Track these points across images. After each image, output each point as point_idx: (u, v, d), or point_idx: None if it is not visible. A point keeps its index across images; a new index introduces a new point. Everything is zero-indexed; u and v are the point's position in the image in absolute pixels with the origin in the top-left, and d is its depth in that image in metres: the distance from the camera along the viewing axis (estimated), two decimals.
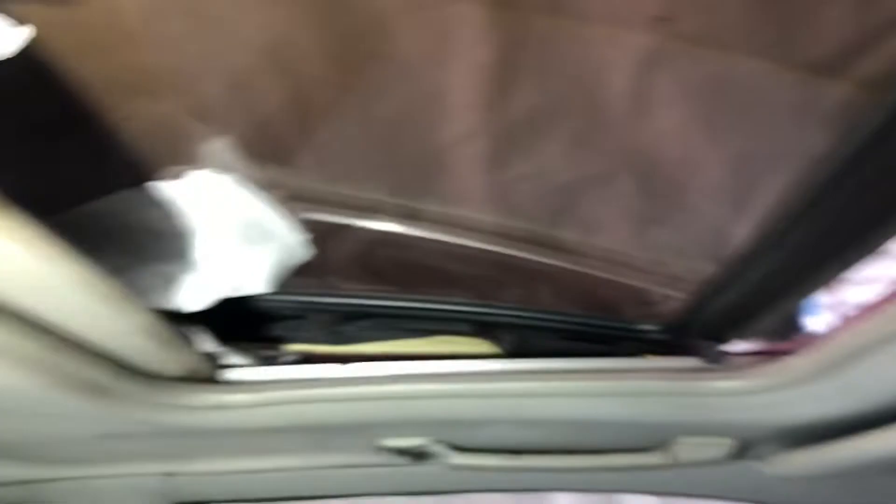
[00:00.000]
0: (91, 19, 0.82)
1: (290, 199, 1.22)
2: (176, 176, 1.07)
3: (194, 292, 1.24)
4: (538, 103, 0.88)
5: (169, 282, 1.22)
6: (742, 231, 1.07)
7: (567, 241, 1.25)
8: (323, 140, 1.04)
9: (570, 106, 0.89)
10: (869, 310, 1.14)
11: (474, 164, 1.04)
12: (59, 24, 0.82)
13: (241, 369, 1.45)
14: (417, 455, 1.60)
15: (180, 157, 1.06)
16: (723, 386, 1.37)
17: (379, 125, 0.98)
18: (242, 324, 1.56)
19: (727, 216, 1.08)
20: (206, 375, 1.40)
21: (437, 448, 1.58)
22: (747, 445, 1.53)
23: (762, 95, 0.82)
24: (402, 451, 1.60)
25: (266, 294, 1.31)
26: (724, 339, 1.44)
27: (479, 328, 1.58)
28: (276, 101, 0.95)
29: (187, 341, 1.31)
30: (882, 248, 1.00)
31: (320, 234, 1.31)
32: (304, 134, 1.03)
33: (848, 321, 1.22)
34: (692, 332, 1.45)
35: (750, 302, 1.26)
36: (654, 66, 0.79)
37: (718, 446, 1.52)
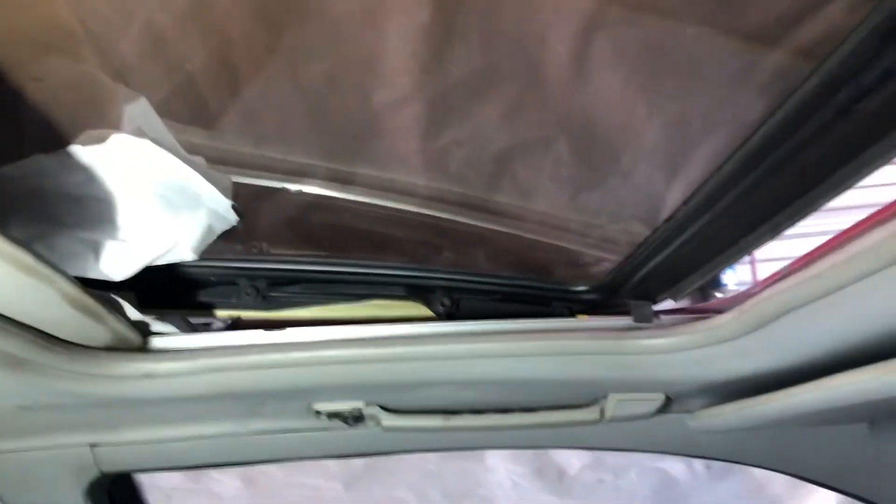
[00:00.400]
0: None
1: (218, 162, 1.18)
2: (95, 140, 1.01)
3: (118, 260, 1.19)
4: (475, 67, 0.86)
5: (91, 250, 1.17)
6: (675, 195, 1.08)
7: (502, 204, 1.24)
8: (250, 102, 1.00)
9: (507, 70, 0.88)
10: (791, 269, 1.18)
11: (409, 128, 1.02)
12: None
13: (170, 337, 1.41)
14: (352, 418, 1.60)
15: (99, 121, 1.00)
16: (653, 343, 1.41)
17: (309, 87, 0.95)
18: (170, 290, 1.52)
19: (661, 181, 1.09)
20: (134, 344, 1.36)
21: (371, 411, 1.58)
22: (676, 400, 1.57)
23: (700, 62, 0.82)
24: (336, 415, 1.60)
25: (194, 260, 1.27)
26: (654, 299, 1.47)
27: (413, 291, 1.58)
28: (199, 62, 0.90)
29: (113, 310, 1.26)
30: (810, 212, 1.03)
31: (250, 199, 1.27)
32: (230, 96, 0.99)
33: (771, 280, 1.26)
34: (624, 293, 1.48)
35: (680, 263, 1.29)
36: (594, 31, 0.78)
37: (649, 401, 1.56)
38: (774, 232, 1.09)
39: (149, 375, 1.36)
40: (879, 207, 1.04)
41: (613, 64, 0.83)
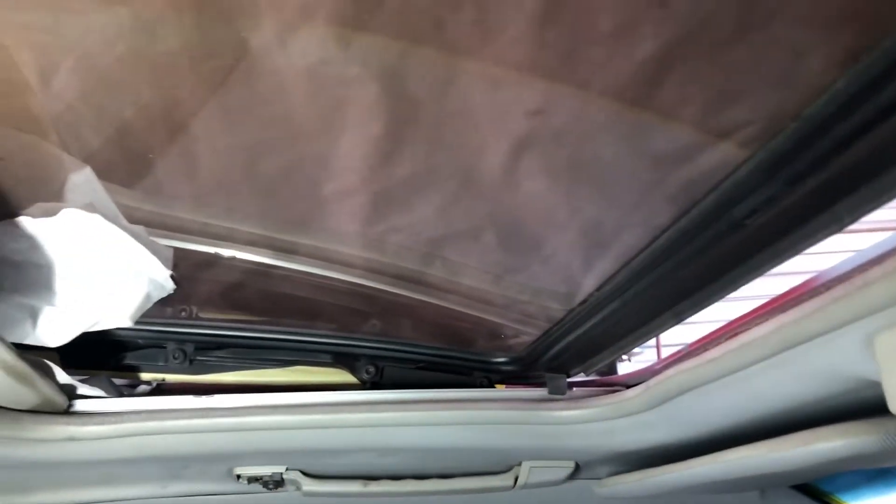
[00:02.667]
0: None
1: (159, 227, 1.21)
2: (45, 212, 1.04)
3: (56, 326, 1.20)
4: (418, 171, 0.95)
5: (29, 315, 1.18)
6: (590, 282, 1.19)
7: (432, 279, 1.32)
8: (205, 181, 1.06)
9: (446, 175, 0.97)
10: (691, 349, 1.29)
11: (351, 215, 1.09)
12: None
13: (95, 400, 1.41)
14: (272, 483, 1.62)
15: (48, 193, 1.04)
16: (565, 415, 1.50)
17: (263, 175, 1.01)
18: (97, 352, 1.52)
19: (578, 269, 1.20)
20: (59, 407, 1.36)
21: (291, 476, 1.61)
22: (585, 468, 1.67)
23: (616, 176, 0.93)
24: (256, 480, 1.62)
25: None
26: (568, 372, 1.57)
27: (338, 358, 1.63)
28: (160, 145, 0.95)
29: (43, 373, 1.27)
30: (710, 303, 1.15)
31: (187, 265, 1.30)
32: (186, 175, 1.04)
33: (673, 358, 1.37)
34: (540, 365, 1.57)
35: (593, 342, 1.40)
36: (526, 148, 0.87)
37: (559, 468, 1.65)
38: (678, 318, 1.21)
39: (72, 438, 1.36)
40: (768, 299, 1.17)
41: (539, 174, 0.93)
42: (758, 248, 0.95)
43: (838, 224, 0.85)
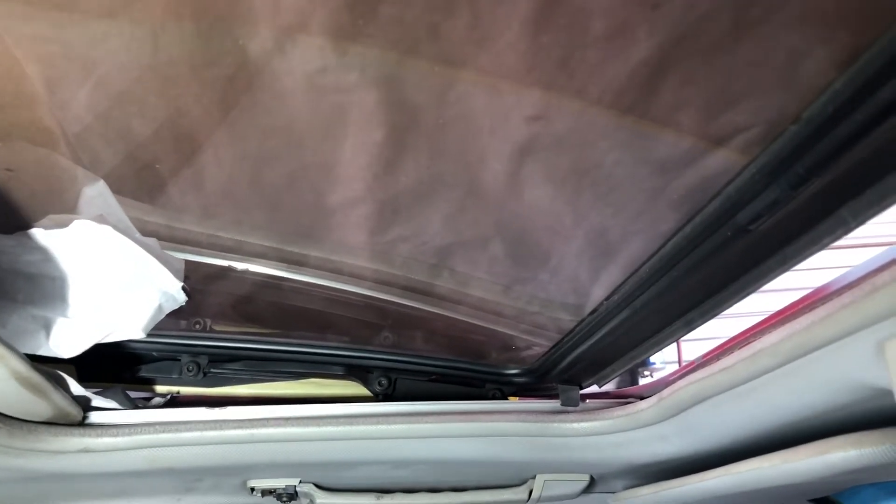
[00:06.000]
0: None
1: (171, 240, 1.23)
2: (57, 224, 1.06)
3: (68, 338, 1.22)
4: (422, 178, 0.95)
5: (43, 326, 1.20)
6: (598, 292, 1.18)
7: (442, 290, 1.32)
8: (212, 193, 1.07)
9: (451, 183, 0.97)
10: (704, 359, 1.28)
11: (358, 225, 1.10)
12: None
13: (109, 412, 1.43)
14: (286, 496, 1.62)
15: (60, 204, 1.05)
16: (578, 427, 1.49)
17: (268, 185, 1.02)
18: (112, 364, 1.54)
19: (586, 278, 1.19)
20: (74, 419, 1.37)
21: (305, 488, 1.61)
22: (600, 481, 1.65)
23: (619, 183, 0.93)
24: (270, 492, 1.62)
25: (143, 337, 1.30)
26: (581, 384, 1.56)
27: (351, 371, 1.63)
28: (166, 156, 0.97)
29: (57, 385, 1.28)
30: (719, 312, 1.14)
31: (197, 276, 1.31)
32: (193, 186, 1.05)
33: (687, 368, 1.36)
34: (552, 377, 1.56)
35: (604, 352, 1.39)
36: (528, 154, 0.88)
37: (574, 482, 1.64)
38: (689, 327, 1.20)
39: (86, 450, 1.37)
40: (780, 308, 1.16)
41: (543, 181, 0.93)
42: (764, 254, 0.95)
43: (844, 228, 0.84)
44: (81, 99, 0.84)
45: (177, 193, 1.04)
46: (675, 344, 7.76)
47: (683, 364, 1.56)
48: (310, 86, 0.80)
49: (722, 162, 0.81)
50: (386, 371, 1.61)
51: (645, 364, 7.18)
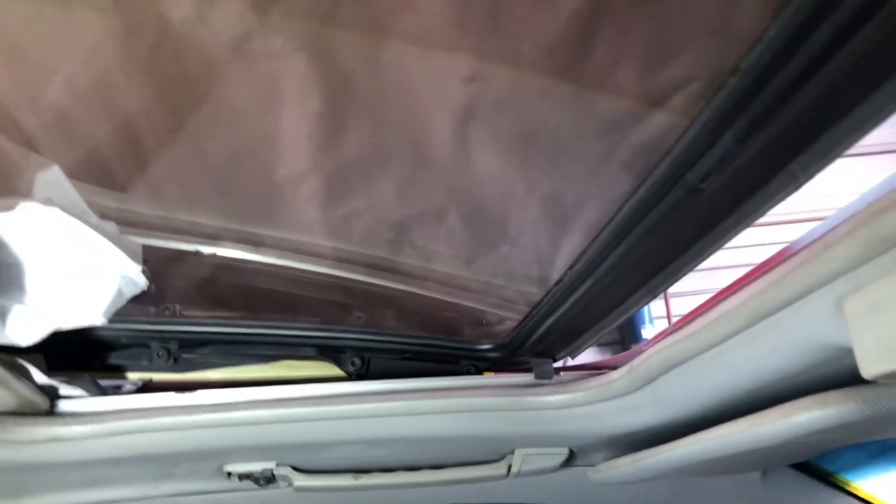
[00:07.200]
0: None
1: (130, 225, 1.21)
2: (2, 208, 1.03)
3: (26, 325, 1.20)
4: (367, 147, 0.93)
5: None
6: (562, 261, 1.16)
7: (406, 266, 1.31)
8: (158, 173, 1.05)
9: (396, 151, 0.95)
10: (673, 328, 1.27)
11: (309, 199, 1.08)
12: None
13: (78, 400, 1.41)
14: (263, 479, 1.61)
15: (10, 189, 1.03)
16: (552, 399, 1.48)
17: (212, 162, 1.00)
18: (81, 353, 1.52)
19: (547, 247, 1.18)
20: (41, 408, 1.36)
21: (282, 471, 1.60)
22: (579, 454, 1.64)
23: (567, 146, 0.91)
24: (247, 476, 1.61)
25: (106, 323, 1.28)
26: (554, 357, 1.54)
27: (323, 351, 1.61)
28: (104, 136, 0.95)
29: (19, 374, 1.27)
30: (682, 275, 1.12)
31: (162, 261, 1.30)
32: (139, 167, 1.03)
33: (657, 338, 1.35)
34: (525, 350, 1.55)
35: (573, 323, 1.37)
36: (470, 118, 0.86)
37: (553, 455, 1.63)
38: (653, 294, 1.18)
39: (56, 439, 1.35)
40: (744, 274, 1.15)
41: (489, 146, 0.91)
42: (720, 213, 0.93)
43: (795, 182, 0.83)
44: (5, 76, 0.82)
45: (118, 172, 1.02)
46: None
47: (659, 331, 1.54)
48: (236, 53, 0.78)
49: (666, 120, 0.79)
50: (359, 351, 1.59)
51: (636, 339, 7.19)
